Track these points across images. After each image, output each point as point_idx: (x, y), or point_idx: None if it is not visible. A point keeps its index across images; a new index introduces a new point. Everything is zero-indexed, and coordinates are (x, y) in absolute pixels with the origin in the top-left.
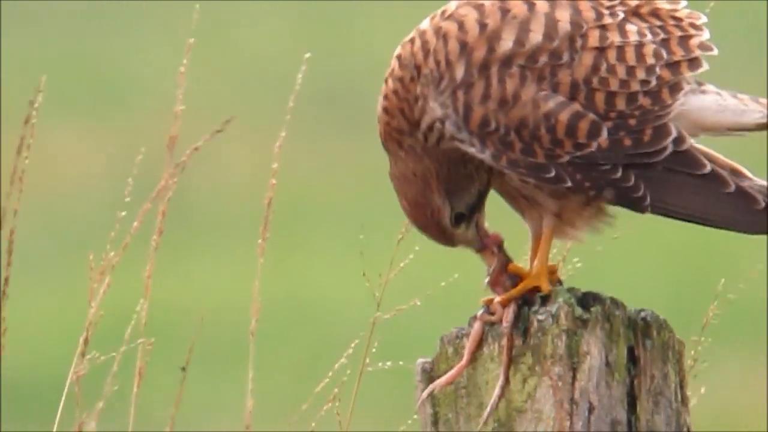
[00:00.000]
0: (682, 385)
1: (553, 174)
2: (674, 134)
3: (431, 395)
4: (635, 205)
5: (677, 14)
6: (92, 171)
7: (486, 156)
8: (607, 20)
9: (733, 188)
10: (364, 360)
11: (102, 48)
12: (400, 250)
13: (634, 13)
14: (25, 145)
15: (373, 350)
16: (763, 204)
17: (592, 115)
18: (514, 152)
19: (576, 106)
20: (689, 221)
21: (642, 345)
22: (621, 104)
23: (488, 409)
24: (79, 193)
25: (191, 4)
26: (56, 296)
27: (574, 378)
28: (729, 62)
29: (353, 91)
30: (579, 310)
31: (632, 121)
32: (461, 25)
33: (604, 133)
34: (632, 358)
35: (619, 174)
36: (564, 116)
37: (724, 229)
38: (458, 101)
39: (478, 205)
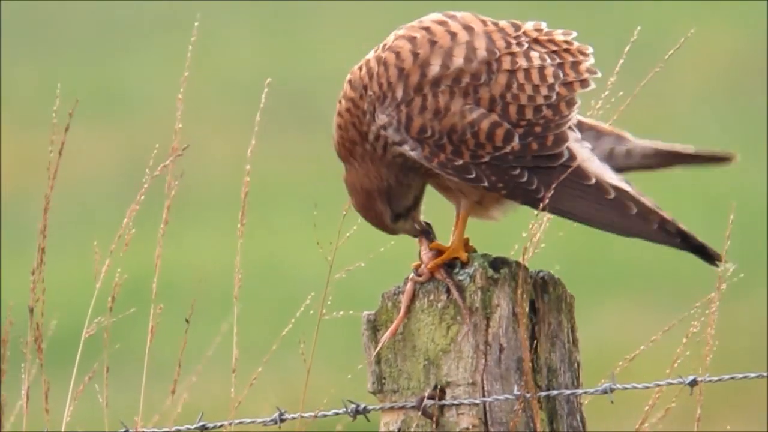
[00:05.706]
0: (573, 330)
1: (473, 175)
2: (572, 138)
3: (376, 340)
4: (535, 204)
5: (569, 44)
6: (105, 165)
7: (421, 157)
8: (515, 48)
9: (612, 195)
10: (321, 310)
11: (112, 66)
12: (346, 222)
13: (536, 40)
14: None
15: (329, 302)
16: (635, 210)
17: (506, 124)
18: (446, 154)
19: (494, 117)
20: (576, 221)
21: (541, 298)
22: (529, 114)
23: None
24: (94, 182)
25: (179, 25)
26: (76, 266)
27: (487, 326)
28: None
29: (307, 96)
30: (491, 271)
31: (538, 129)
32: (398, 55)
33: (516, 139)
34: (533, 309)
35: (525, 178)
36: (485, 124)
37: (607, 231)
38: (401, 113)
39: (414, 206)
